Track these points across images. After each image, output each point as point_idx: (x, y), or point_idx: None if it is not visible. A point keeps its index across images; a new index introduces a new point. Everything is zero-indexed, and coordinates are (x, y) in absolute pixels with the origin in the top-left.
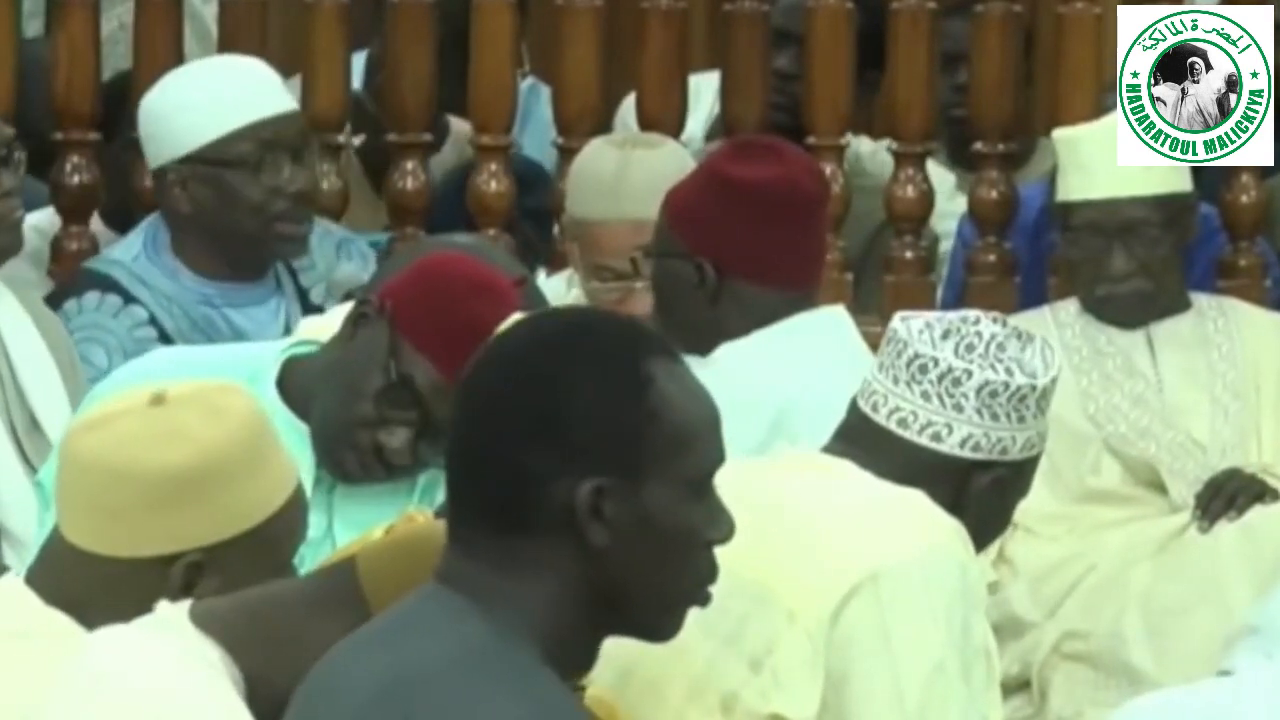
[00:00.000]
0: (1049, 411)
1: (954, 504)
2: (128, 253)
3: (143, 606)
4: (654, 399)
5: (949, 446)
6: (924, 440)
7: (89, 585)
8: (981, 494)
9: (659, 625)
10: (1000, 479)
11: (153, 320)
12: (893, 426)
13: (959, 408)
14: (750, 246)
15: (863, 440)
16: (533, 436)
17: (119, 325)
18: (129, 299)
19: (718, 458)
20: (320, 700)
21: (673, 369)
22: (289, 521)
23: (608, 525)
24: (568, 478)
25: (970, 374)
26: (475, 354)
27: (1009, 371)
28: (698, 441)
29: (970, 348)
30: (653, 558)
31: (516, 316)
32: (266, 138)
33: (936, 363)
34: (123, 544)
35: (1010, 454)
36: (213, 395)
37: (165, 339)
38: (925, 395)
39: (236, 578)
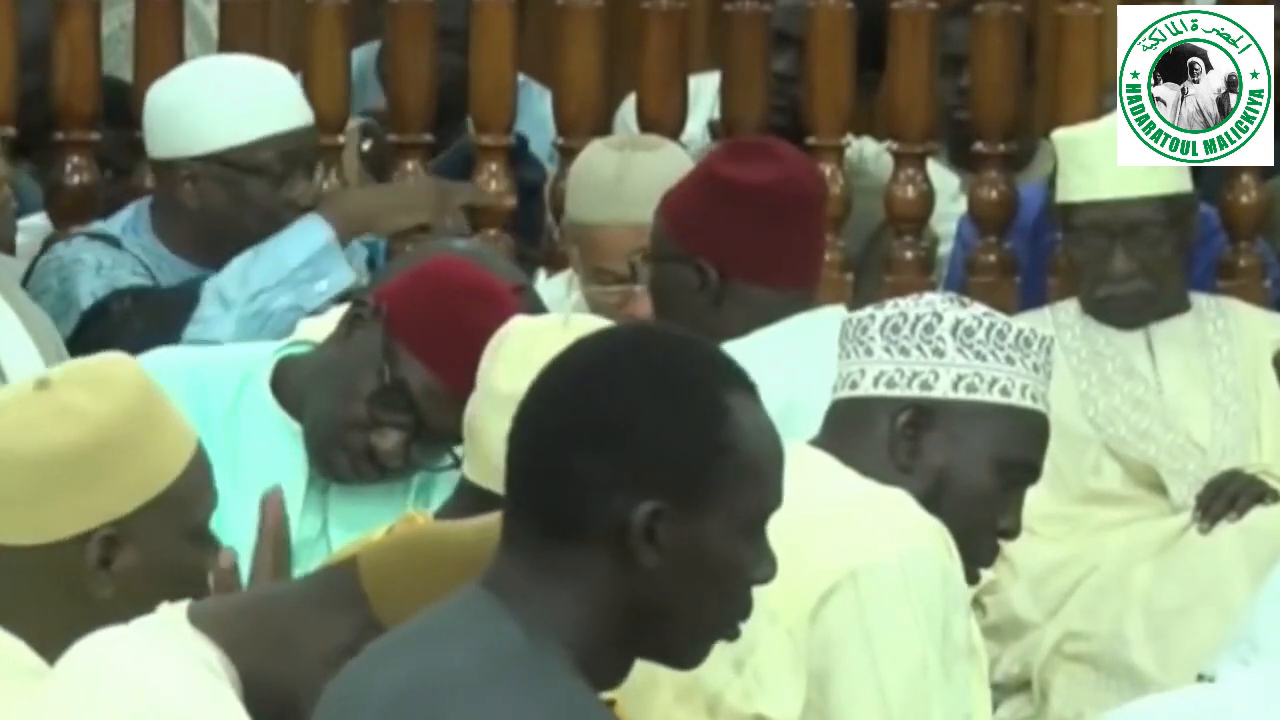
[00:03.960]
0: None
1: (949, 463)
2: (112, 226)
3: (64, 590)
4: (729, 432)
5: (940, 391)
6: (915, 391)
7: (6, 578)
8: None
9: (687, 654)
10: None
11: (142, 265)
12: (881, 390)
13: (940, 352)
14: (751, 247)
15: (849, 423)
16: (600, 448)
17: (107, 255)
18: (119, 247)
19: (778, 499)
20: (347, 701)
21: (750, 403)
22: (194, 482)
23: (658, 548)
24: (627, 495)
25: (941, 317)
26: (553, 355)
27: (985, 312)
28: (762, 480)
29: (930, 301)
30: (694, 587)
31: (519, 319)
32: (290, 149)
33: (906, 317)
34: (30, 531)
35: (1012, 396)
36: (97, 369)
37: (153, 279)
38: (904, 350)
39: (153, 546)
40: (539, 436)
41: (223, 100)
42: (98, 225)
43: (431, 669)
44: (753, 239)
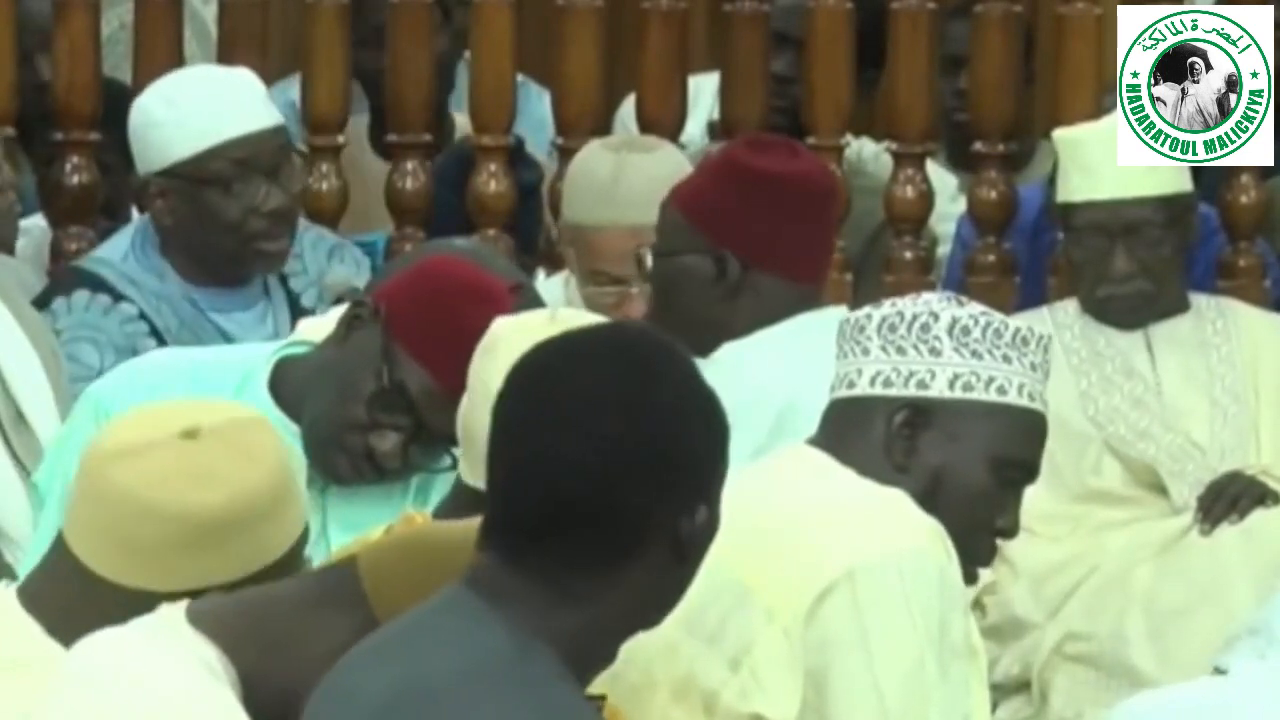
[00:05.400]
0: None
1: (944, 463)
2: (115, 252)
3: None
4: (723, 422)
5: (937, 390)
6: (911, 390)
7: (98, 607)
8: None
9: (661, 620)
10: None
11: (143, 316)
12: (878, 390)
13: (936, 351)
14: (778, 238)
15: (846, 423)
16: (648, 475)
17: (110, 323)
18: (118, 297)
19: None
20: (336, 703)
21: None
22: (297, 555)
23: (695, 545)
24: (680, 510)
25: (938, 316)
26: (541, 378)
27: (982, 311)
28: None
29: (927, 301)
30: (698, 567)
31: (504, 318)
32: (240, 157)
33: (903, 316)
34: (147, 578)
35: (1008, 395)
36: (244, 433)
37: (156, 335)
38: (900, 350)
39: None
40: (578, 474)
41: (176, 113)
42: (100, 254)
43: (422, 674)
44: (780, 228)
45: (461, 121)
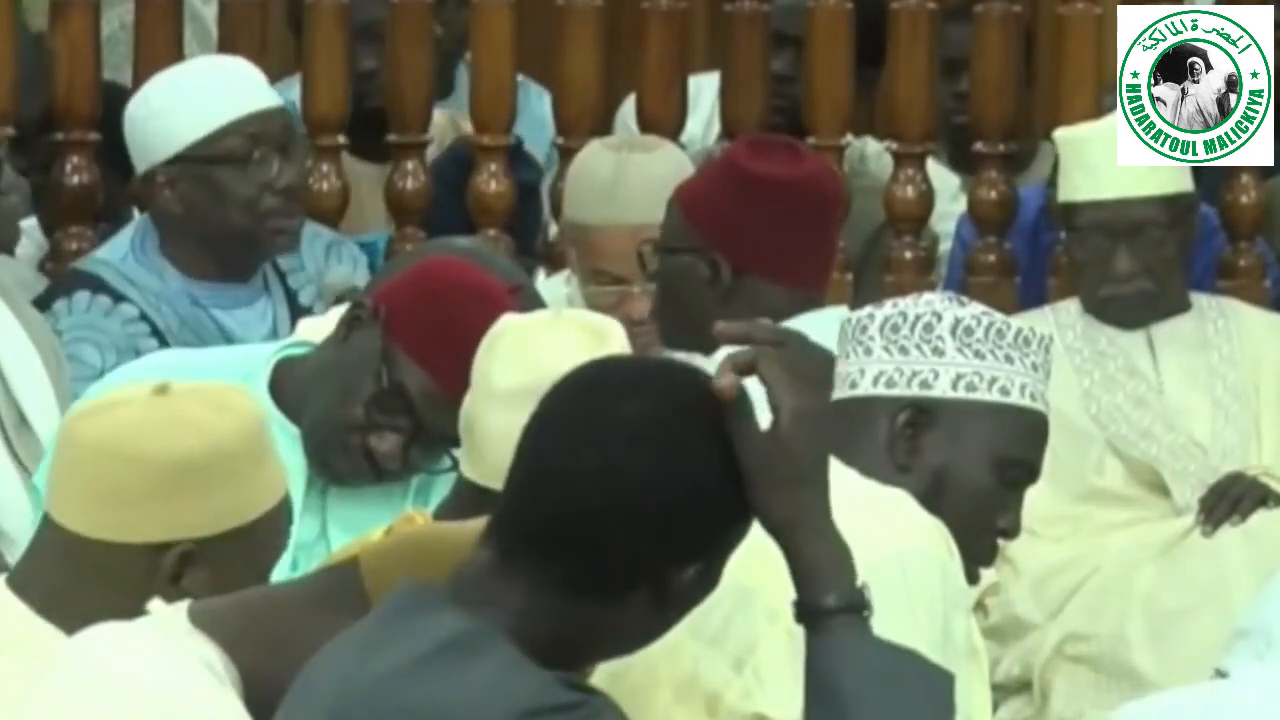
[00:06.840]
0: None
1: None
2: (115, 253)
3: (128, 594)
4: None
5: (939, 390)
6: (914, 390)
7: (77, 571)
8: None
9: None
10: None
11: (143, 317)
12: (880, 390)
13: (939, 351)
14: (770, 243)
15: (849, 423)
16: (652, 523)
17: (111, 324)
18: (118, 298)
19: None
20: (295, 702)
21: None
22: (277, 524)
23: (680, 598)
24: (672, 561)
25: (941, 316)
26: (599, 393)
27: (983, 311)
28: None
29: (929, 301)
30: (677, 621)
31: (509, 316)
32: (253, 132)
33: (905, 316)
34: (119, 529)
35: (1011, 395)
36: (217, 391)
37: (157, 335)
38: (903, 349)
39: (222, 574)
40: (591, 495)
41: (181, 100)
42: (100, 255)
43: (372, 671)
44: (772, 235)
45: (444, 121)
